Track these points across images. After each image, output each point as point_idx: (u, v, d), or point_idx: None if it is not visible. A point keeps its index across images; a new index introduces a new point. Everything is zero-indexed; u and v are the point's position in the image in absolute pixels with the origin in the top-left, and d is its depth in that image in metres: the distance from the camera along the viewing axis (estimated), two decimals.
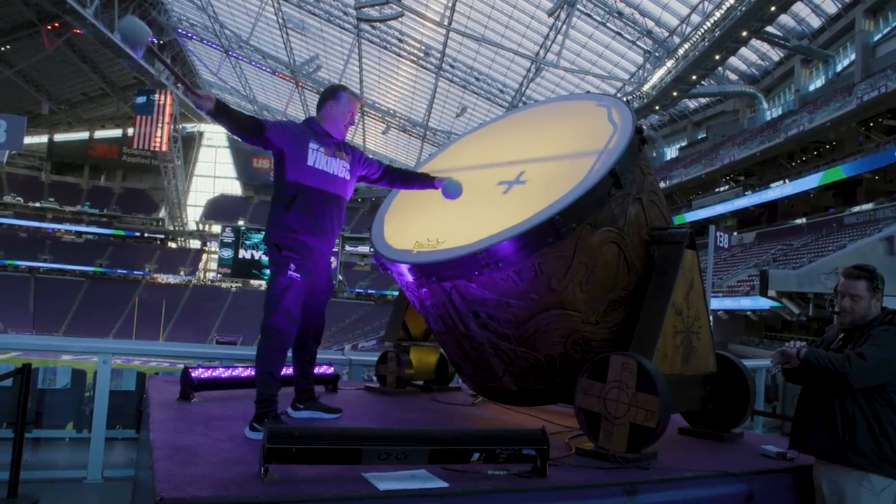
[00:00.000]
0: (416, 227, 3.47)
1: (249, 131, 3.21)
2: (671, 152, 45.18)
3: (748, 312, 26.42)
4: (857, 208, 27.40)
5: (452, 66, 42.55)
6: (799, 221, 30.75)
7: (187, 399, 3.59)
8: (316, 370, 3.79)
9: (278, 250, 3.18)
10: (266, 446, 2.13)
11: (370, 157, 3.62)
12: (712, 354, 3.50)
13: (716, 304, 26.49)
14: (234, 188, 69.15)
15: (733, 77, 36.73)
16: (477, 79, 43.07)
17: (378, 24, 38.89)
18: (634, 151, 3.19)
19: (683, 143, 43.67)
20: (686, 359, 3.24)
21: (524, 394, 3.48)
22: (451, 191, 3.49)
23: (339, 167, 3.32)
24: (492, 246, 2.93)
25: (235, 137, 3.25)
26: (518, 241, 2.90)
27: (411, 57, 42.61)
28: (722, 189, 36.80)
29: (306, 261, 3.20)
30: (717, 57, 31.53)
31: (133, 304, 50.90)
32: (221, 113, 3.06)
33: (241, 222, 60.92)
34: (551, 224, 2.87)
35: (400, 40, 41.38)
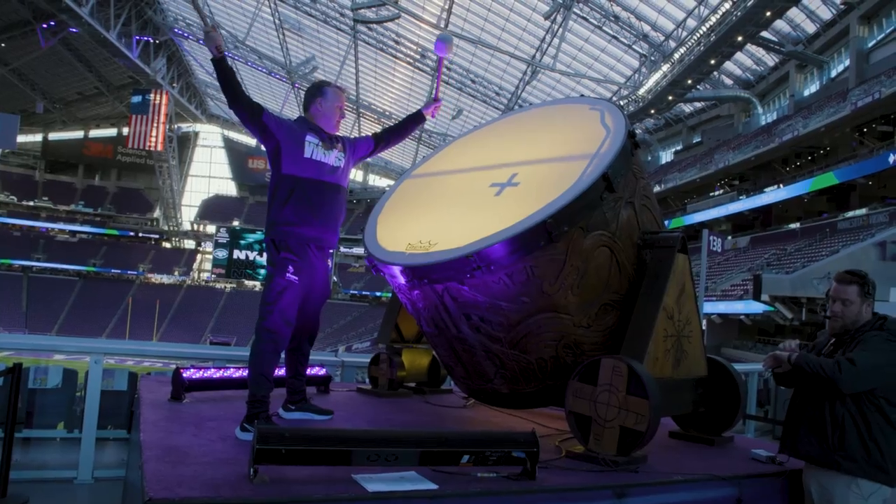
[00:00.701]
0: (409, 229, 3.46)
1: (248, 107, 3.23)
2: (666, 156, 45.34)
3: (742, 316, 26.50)
4: (850, 213, 27.53)
5: (448, 69, 42.60)
6: (793, 226, 30.87)
7: (179, 400, 3.58)
8: (308, 371, 3.79)
9: (277, 250, 3.19)
10: (256, 447, 2.13)
11: (361, 137, 3.73)
12: (703, 358, 3.51)
13: (710, 307, 26.55)
14: (230, 188, 68.99)
15: (728, 82, 36.92)
16: (473, 81, 43.16)
17: (374, 26, 38.91)
18: (627, 155, 3.20)
19: (678, 147, 43.84)
20: (677, 363, 3.25)
21: (516, 396, 3.48)
22: (443, 37, 3.84)
23: (334, 158, 3.37)
24: (483, 248, 2.93)
25: (231, 111, 3.25)
26: (510, 244, 2.90)
27: (407, 59, 42.68)
28: (717, 193, 36.93)
29: (304, 263, 3.21)
30: (713, 61, 31.69)
31: (127, 304, 50.76)
32: (224, 65, 3.10)
33: (235, 223, 60.81)
34: (543, 227, 2.87)
35: (396, 42, 41.46)
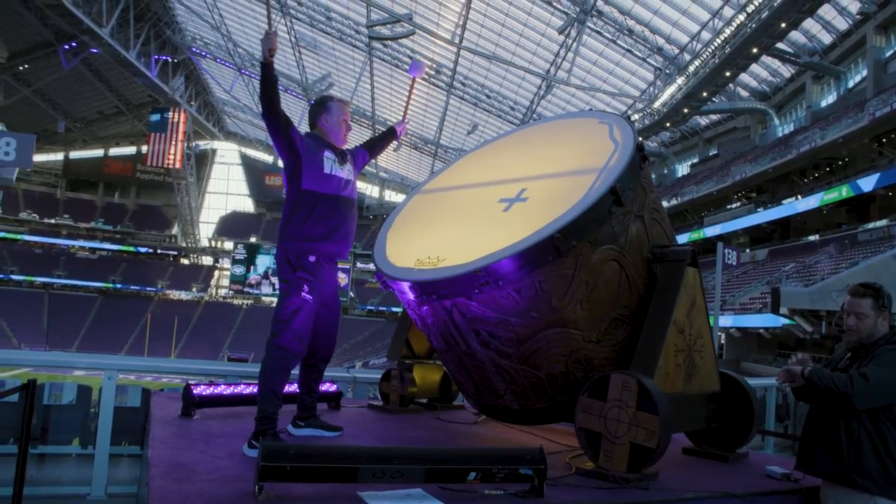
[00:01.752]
0: (418, 245, 3.47)
1: (282, 118, 3.27)
2: (682, 169, 45.10)
3: (761, 330, 26.15)
4: (870, 225, 27.16)
5: (463, 84, 42.80)
6: (812, 238, 30.51)
7: (189, 416, 3.59)
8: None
9: (292, 269, 3.20)
10: (261, 464, 2.12)
11: (355, 147, 3.78)
12: (716, 373, 3.46)
13: (729, 321, 26.25)
14: (247, 205, 69.53)
15: (744, 94, 36.71)
16: (488, 96, 43.29)
17: (389, 43, 39.22)
18: (635, 169, 3.19)
19: (695, 160, 43.59)
20: (688, 378, 3.21)
21: (526, 412, 3.46)
22: (417, 61, 4.08)
23: (347, 172, 3.43)
24: (492, 264, 2.92)
25: (264, 119, 3.31)
26: (518, 259, 2.90)
27: (423, 75, 42.92)
28: (734, 206, 36.64)
29: (318, 282, 3.23)
30: (728, 74, 31.54)
31: (146, 320, 51.19)
32: (270, 70, 3.21)
33: (253, 239, 61.24)
34: (551, 242, 2.87)
35: (411, 58, 41.72)
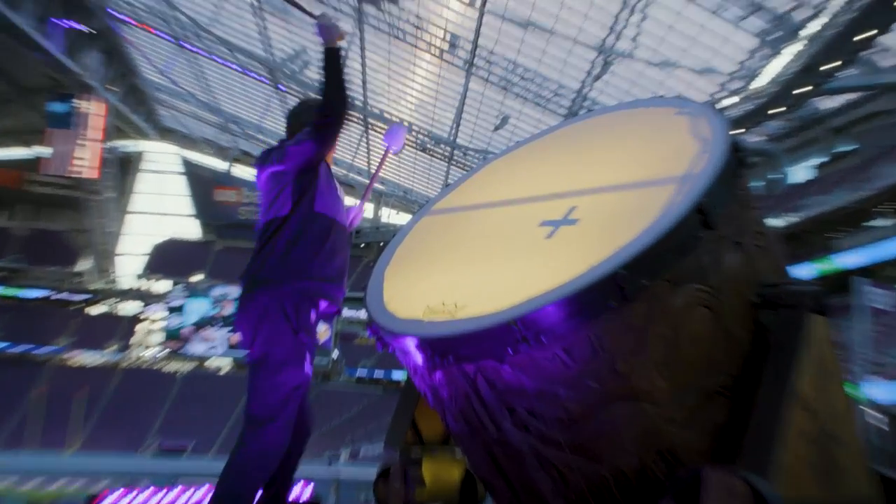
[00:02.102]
0: (427, 287, 3.50)
1: (340, 121, 3.42)
2: (800, 173, 44.95)
3: None
4: None
5: (488, 62, 43.15)
6: None
7: None
8: None
9: (293, 330, 3.26)
10: None
11: None
12: (868, 472, 3.41)
13: (883, 393, 25.80)
14: (191, 230, 69.92)
15: (890, 62, 36.56)
16: (522, 77, 43.57)
17: (387, 6, 39.69)
18: (730, 177, 3.21)
19: (819, 160, 43.47)
20: (825, 479, 3.16)
21: None
22: (398, 126, 4.09)
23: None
24: (530, 312, 2.94)
25: (330, 121, 3.42)
26: (567, 306, 2.91)
27: (432, 50, 43.31)
28: (880, 223, 36.39)
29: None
30: (865, 36, 31.44)
31: (36, 395, 50.91)
32: (339, 56, 3.49)
33: (199, 276, 61.29)
34: (613, 281, 2.88)
35: (417, 27, 42.16)
